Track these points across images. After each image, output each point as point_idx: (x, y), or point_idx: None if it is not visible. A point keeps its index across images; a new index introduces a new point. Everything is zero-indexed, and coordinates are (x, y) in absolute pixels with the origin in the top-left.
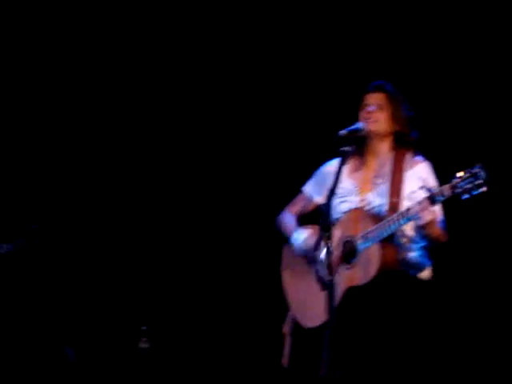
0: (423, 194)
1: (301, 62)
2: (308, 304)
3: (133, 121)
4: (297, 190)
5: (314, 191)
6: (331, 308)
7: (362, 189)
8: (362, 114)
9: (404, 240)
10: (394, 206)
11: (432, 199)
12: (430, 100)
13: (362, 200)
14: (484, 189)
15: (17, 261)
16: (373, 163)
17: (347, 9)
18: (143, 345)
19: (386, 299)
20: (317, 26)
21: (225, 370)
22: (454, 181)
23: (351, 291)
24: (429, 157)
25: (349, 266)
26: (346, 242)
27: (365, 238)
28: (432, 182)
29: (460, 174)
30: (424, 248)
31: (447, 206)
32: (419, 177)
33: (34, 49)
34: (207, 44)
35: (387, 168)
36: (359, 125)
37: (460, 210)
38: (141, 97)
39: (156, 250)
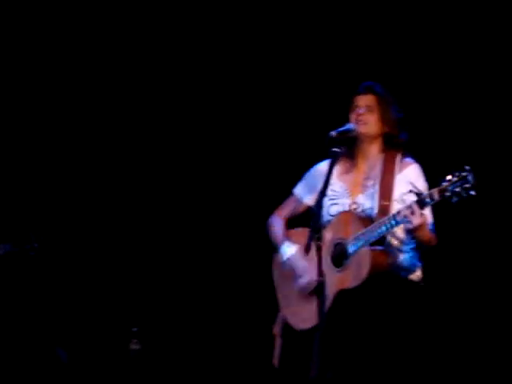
0: (413, 198)
1: (291, 64)
2: (300, 306)
3: (128, 122)
4: (288, 191)
5: (304, 193)
6: (321, 310)
7: (352, 191)
8: (353, 116)
9: (395, 242)
10: (384, 209)
11: (421, 203)
12: (419, 101)
13: (353, 203)
14: (473, 192)
15: (7, 263)
16: (363, 165)
17: (338, 11)
18: (134, 346)
19: (377, 301)
20: (307, 28)
21: (216, 371)
22: (444, 184)
23: (342, 294)
24: (418, 158)
25: (339, 269)
26: (337, 244)
27: (355, 240)
28: (421, 184)
29: (449, 177)
30: (415, 250)
31: (437, 208)
32: (409, 179)
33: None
34: (198, 47)
35: (377, 170)
36: (350, 126)
37: (450, 212)
38: (138, 97)
39: (147, 252)
